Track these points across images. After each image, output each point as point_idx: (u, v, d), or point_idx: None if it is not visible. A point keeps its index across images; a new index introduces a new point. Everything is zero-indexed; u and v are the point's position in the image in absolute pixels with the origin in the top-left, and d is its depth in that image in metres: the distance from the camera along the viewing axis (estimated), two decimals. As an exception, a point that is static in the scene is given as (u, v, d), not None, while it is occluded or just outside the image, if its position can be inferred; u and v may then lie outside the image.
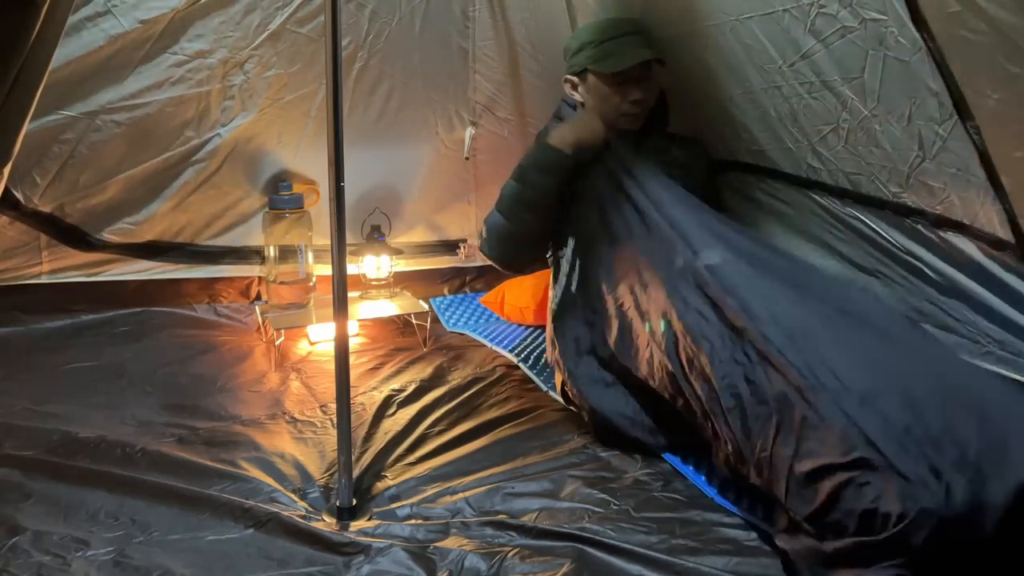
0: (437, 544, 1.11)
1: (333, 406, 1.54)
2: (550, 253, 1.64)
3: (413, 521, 1.18)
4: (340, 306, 1.20)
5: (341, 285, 1.19)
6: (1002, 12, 0.99)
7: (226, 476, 1.28)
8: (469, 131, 2.18)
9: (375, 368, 1.82)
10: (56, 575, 1.03)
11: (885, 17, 1.17)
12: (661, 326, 1.29)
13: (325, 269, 2.06)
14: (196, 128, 1.86)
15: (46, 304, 1.89)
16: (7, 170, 1.11)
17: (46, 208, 1.82)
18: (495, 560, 1.06)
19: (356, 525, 1.17)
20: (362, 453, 1.40)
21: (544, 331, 1.75)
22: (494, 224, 1.55)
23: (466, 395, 1.64)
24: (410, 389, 1.67)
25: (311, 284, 2.05)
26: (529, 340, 1.98)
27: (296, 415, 1.55)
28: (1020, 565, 0.92)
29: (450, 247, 2.35)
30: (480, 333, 2.06)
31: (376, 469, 1.35)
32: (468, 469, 1.33)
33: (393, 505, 1.23)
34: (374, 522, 1.18)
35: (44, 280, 1.89)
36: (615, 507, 1.20)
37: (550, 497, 1.24)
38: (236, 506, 1.18)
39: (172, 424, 1.47)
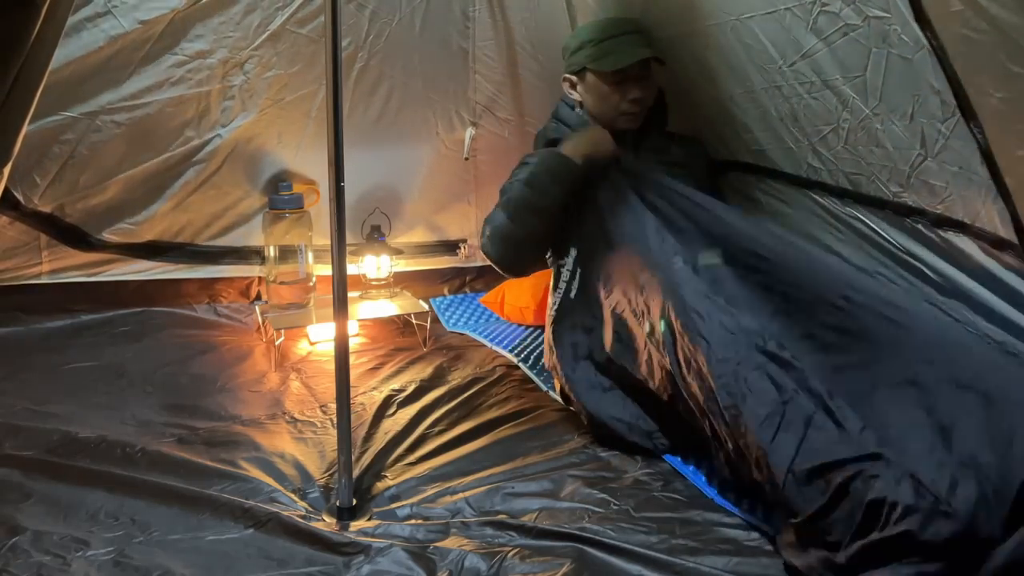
0: (437, 544, 1.10)
1: (333, 406, 1.54)
2: (551, 260, 1.64)
3: (413, 521, 1.18)
4: (340, 306, 1.20)
5: (341, 285, 1.19)
6: (1003, 12, 0.99)
7: (226, 476, 1.28)
8: (469, 131, 2.18)
9: (375, 368, 1.82)
10: (56, 575, 1.03)
11: (888, 15, 1.17)
12: (661, 326, 1.29)
13: (325, 269, 2.06)
14: (196, 128, 1.86)
15: (46, 304, 1.89)
16: (7, 170, 1.11)
17: (46, 208, 1.82)
18: (495, 560, 1.06)
19: (356, 525, 1.17)
20: (362, 453, 1.40)
21: (544, 331, 1.75)
22: (498, 226, 1.54)
23: (466, 395, 1.64)
24: (410, 389, 1.67)
25: (311, 284, 2.05)
26: (529, 340, 1.98)
27: (296, 415, 1.55)
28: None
29: (450, 247, 2.35)
30: (480, 333, 2.06)
31: (376, 469, 1.35)
32: (468, 469, 1.33)
33: (393, 505, 1.23)
34: (374, 522, 1.18)
35: (44, 280, 1.89)
36: (615, 507, 1.20)
37: (550, 497, 1.24)
38: (236, 506, 1.18)
39: (172, 424, 1.47)
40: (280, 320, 1.90)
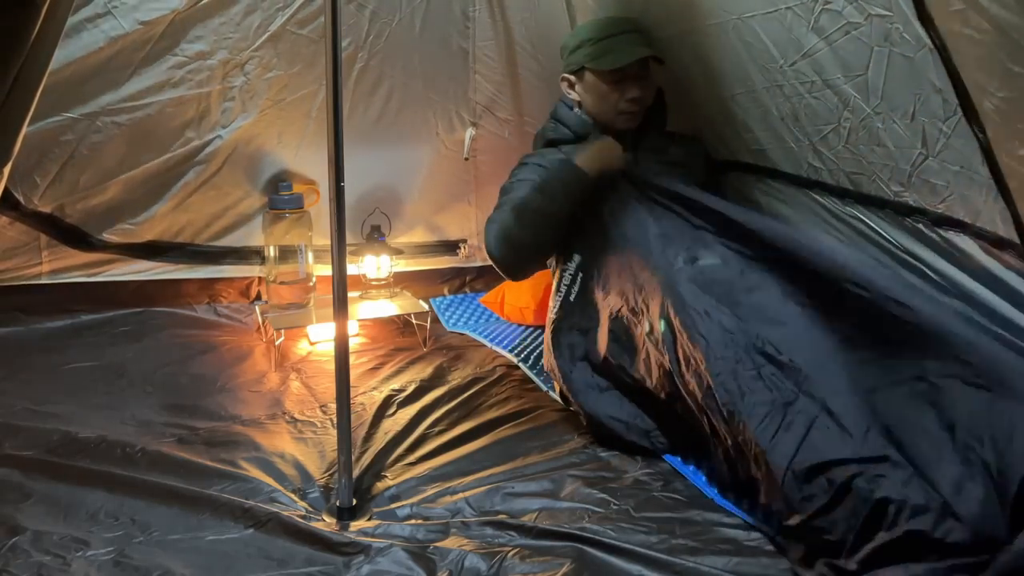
0: (437, 544, 1.10)
1: (333, 406, 1.54)
2: (554, 265, 1.64)
3: (413, 521, 1.18)
4: (340, 306, 1.19)
5: (341, 285, 1.19)
6: (1004, 12, 0.99)
7: (226, 476, 1.28)
8: (469, 132, 2.18)
9: (375, 368, 1.82)
10: (56, 575, 1.03)
11: (891, 13, 1.17)
12: (660, 325, 1.29)
13: (325, 269, 2.06)
14: (196, 129, 1.86)
15: (46, 304, 1.89)
16: (7, 170, 1.11)
17: (46, 209, 1.82)
18: (495, 560, 1.06)
19: (356, 525, 1.17)
20: (362, 453, 1.40)
21: (543, 331, 1.75)
22: (504, 229, 1.54)
23: (466, 395, 1.64)
24: (410, 389, 1.67)
25: (311, 284, 2.05)
26: (529, 340, 1.98)
27: (296, 415, 1.55)
28: None
29: (450, 247, 2.35)
30: (480, 333, 2.06)
31: (376, 469, 1.35)
32: (468, 469, 1.33)
33: (393, 505, 1.23)
34: (374, 522, 1.18)
35: (44, 280, 1.89)
36: (615, 507, 1.20)
37: (550, 497, 1.24)
38: (236, 506, 1.18)
39: (172, 424, 1.47)
40: (280, 320, 1.90)
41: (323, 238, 2.05)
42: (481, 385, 1.69)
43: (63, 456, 1.32)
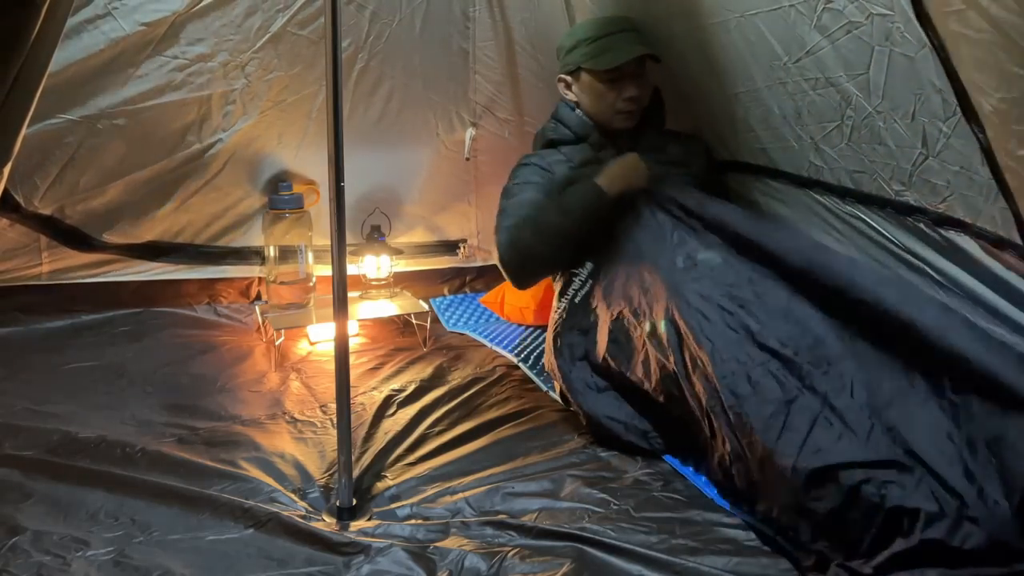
0: (437, 544, 1.10)
1: (333, 406, 1.54)
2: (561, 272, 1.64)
3: (413, 521, 1.18)
4: (340, 306, 1.20)
5: (341, 285, 1.19)
6: (1003, 12, 0.99)
7: (226, 476, 1.28)
8: (469, 132, 2.18)
9: (375, 368, 1.82)
10: (56, 575, 1.03)
11: (892, 12, 1.17)
12: (662, 326, 1.29)
13: (325, 269, 2.06)
14: (197, 132, 1.85)
15: (46, 304, 1.89)
16: (7, 170, 1.11)
17: (46, 210, 1.82)
18: (495, 560, 1.06)
19: (356, 525, 1.17)
20: (362, 453, 1.40)
21: (544, 331, 1.75)
22: (521, 244, 1.54)
23: (466, 395, 1.64)
24: (410, 389, 1.67)
25: (311, 284, 2.05)
26: (529, 340, 1.98)
27: (296, 415, 1.55)
28: None
29: (450, 247, 2.35)
30: (480, 333, 2.06)
31: (376, 469, 1.35)
32: (468, 469, 1.33)
33: (393, 505, 1.23)
34: (374, 522, 1.18)
35: (44, 281, 1.89)
36: (615, 507, 1.20)
37: (550, 497, 1.23)
38: (236, 506, 1.18)
39: (172, 424, 1.47)
40: (280, 320, 1.90)
41: (323, 238, 2.05)
42: (481, 385, 1.69)
43: (63, 456, 1.32)
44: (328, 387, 1.67)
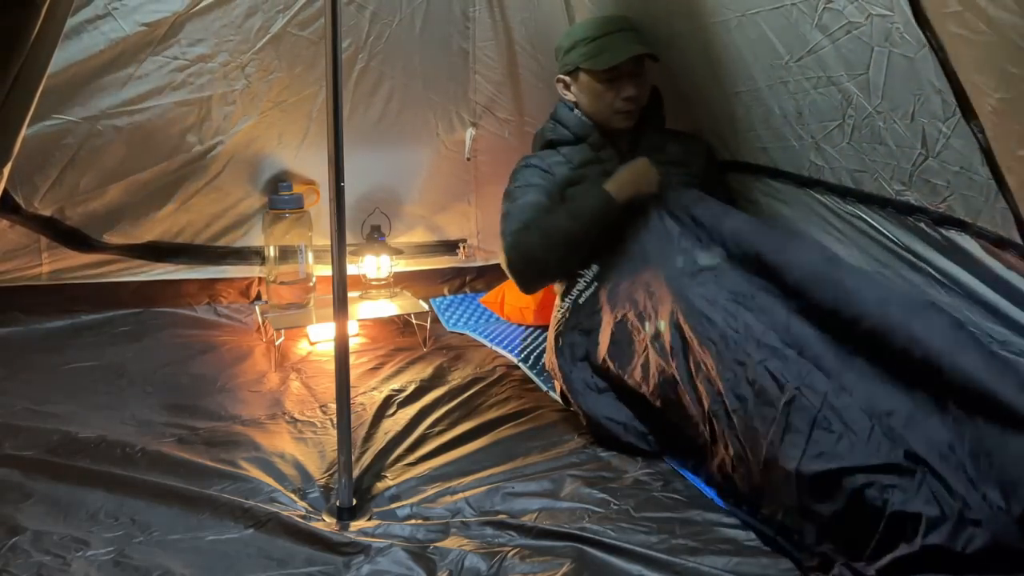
0: (437, 544, 1.10)
1: (333, 406, 1.54)
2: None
3: (413, 521, 1.18)
4: (340, 306, 1.20)
5: (341, 285, 1.19)
6: (1002, 12, 0.99)
7: (226, 476, 1.28)
8: (469, 132, 2.18)
9: (375, 368, 1.82)
10: (56, 575, 1.03)
11: (891, 13, 1.17)
12: (663, 327, 1.29)
13: (325, 269, 2.06)
14: (198, 133, 1.85)
15: (46, 304, 1.89)
16: (7, 170, 1.11)
17: (46, 211, 1.81)
18: (495, 560, 1.06)
19: (356, 525, 1.17)
20: (362, 453, 1.40)
21: (544, 331, 1.75)
22: (529, 250, 1.54)
23: (466, 395, 1.64)
24: (410, 389, 1.67)
25: (311, 284, 2.05)
26: (529, 340, 1.98)
27: (296, 415, 1.55)
28: None
29: (450, 247, 2.35)
30: (480, 333, 2.06)
31: (376, 469, 1.35)
32: (468, 469, 1.33)
33: (393, 505, 1.23)
34: (374, 522, 1.18)
35: (44, 281, 1.89)
36: (615, 507, 1.20)
37: (550, 497, 1.23)
38: (236, 506, 1.18)
39: (172, 424, 1.47)
40: (280, 320, 1.90)
41: (323, 238, 2.05)
42: (481, 385, 1.69)
43: (63, 456, 1.32)
44: (328, 387, 1.67)
